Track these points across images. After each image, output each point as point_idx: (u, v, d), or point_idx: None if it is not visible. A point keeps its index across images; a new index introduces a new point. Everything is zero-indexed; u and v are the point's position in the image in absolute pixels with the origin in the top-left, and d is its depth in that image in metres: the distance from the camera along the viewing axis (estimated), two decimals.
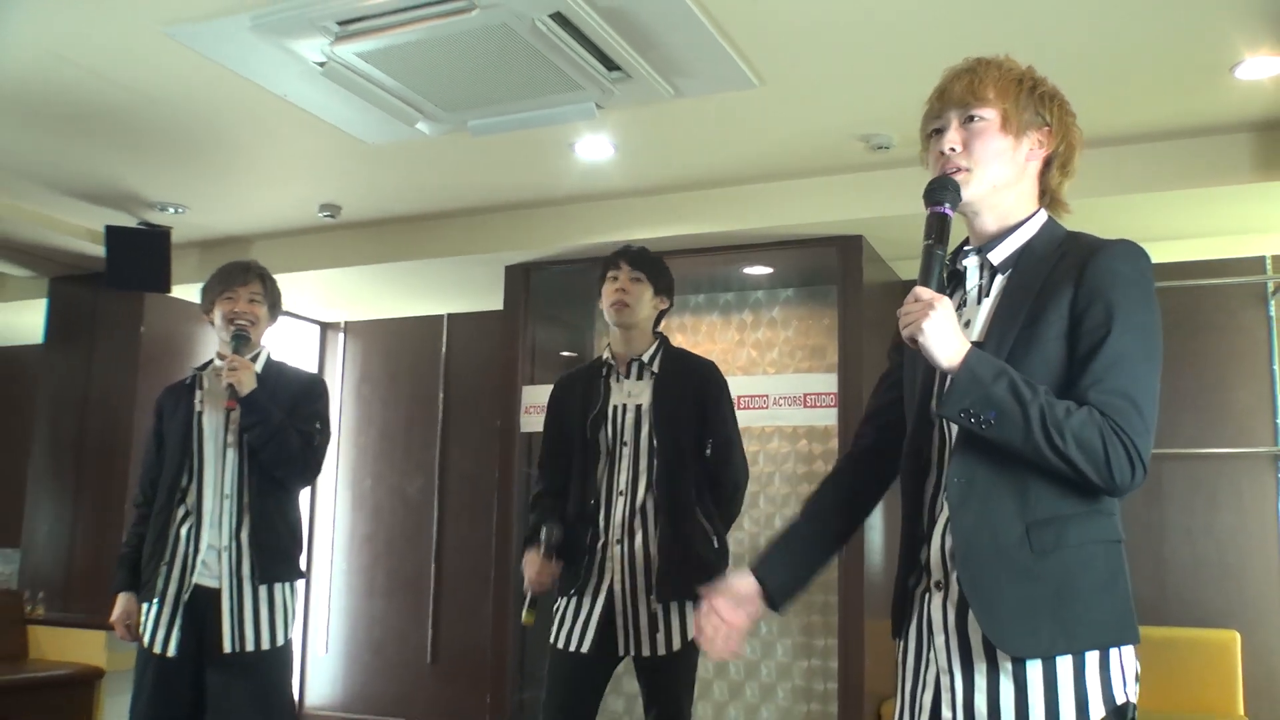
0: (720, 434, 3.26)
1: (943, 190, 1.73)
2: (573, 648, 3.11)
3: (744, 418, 5.99)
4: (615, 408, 3.22)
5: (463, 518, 6.75)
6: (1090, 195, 4.46)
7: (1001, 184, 1.77)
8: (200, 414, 3.31)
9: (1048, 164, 1.83)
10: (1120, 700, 1.63)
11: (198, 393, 3.35)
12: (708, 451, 3.25)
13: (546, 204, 5.47)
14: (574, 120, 4.17)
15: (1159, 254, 5.68)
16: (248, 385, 3.17)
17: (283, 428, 3.22)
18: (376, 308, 7.06)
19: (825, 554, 2.06)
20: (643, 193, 5.27)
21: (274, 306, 3.47)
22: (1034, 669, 1.61)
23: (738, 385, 6.04)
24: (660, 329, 3.38)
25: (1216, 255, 5.18)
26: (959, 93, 1.77)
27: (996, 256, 1.78)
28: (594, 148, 4.68)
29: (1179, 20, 3.43)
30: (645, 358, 3.25)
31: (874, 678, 4.94)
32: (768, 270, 5.83)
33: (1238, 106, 4.07)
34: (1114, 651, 1.64)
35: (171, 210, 5.63)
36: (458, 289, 6.43)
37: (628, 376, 3.25)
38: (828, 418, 5.66)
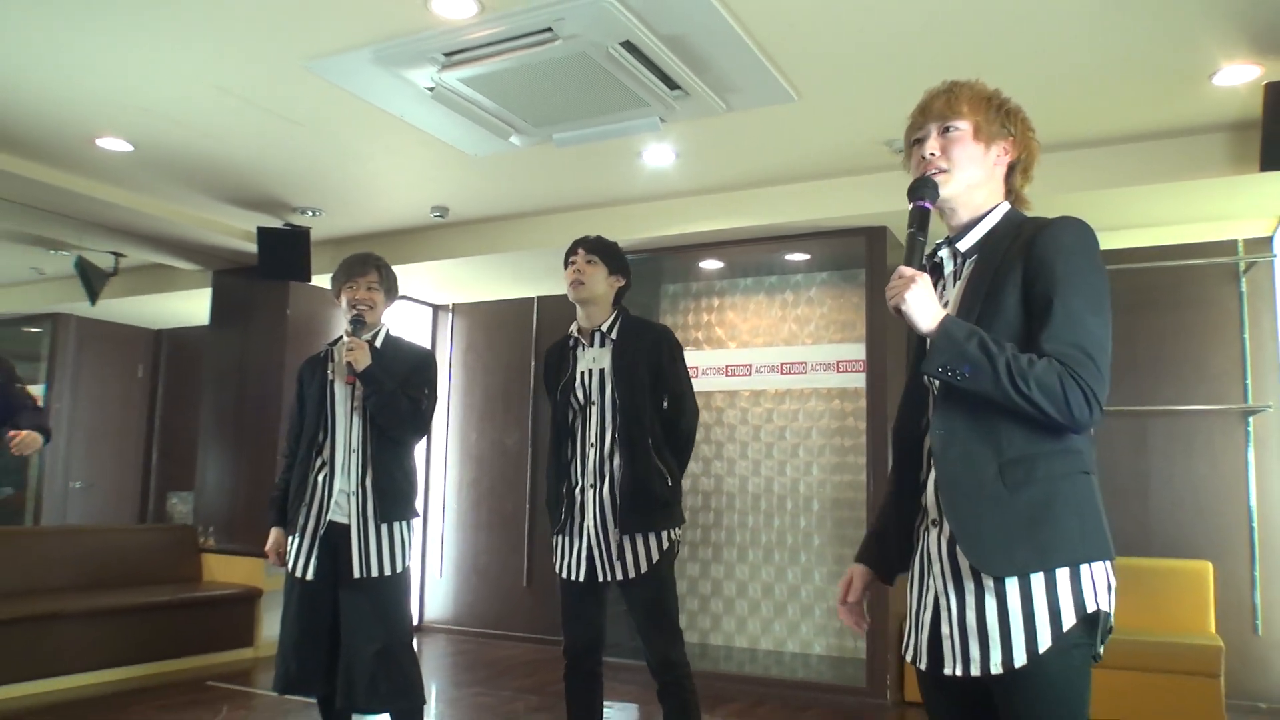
0: (674, 389, 3.16)
1: (923, 188, 1.74)
2: (572, 577, 3.08)
3: (786, 381, 5.98)
4: (583, 373, 3.14)
5: None
6: (1086, 189, 4.38)
7: (974, 184, 1.77)
8: (332, 383, 3.33)
9: (1011, 168, 1.82)
10: (1091, 609, 1.59)
11: (330, 365, 3.37)
12: (665, 404, 3.16)
13: (618, 203, 5.46)
14: (641, 132, 4.16)
15: (1146, 239, 5.61)
16: (363, 363, 3.19)
17: (394, 395, 3.22)
18: (479, 292, 7.11)
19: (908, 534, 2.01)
20: (700, 193, 5.24)
21: (390, 291, 3.46)
22: (1012, 586, 1.59)
23: (781, 354, 6.04)
24: (623, 303, 3.28)
25: (1195, 239, 5.08)
26: (938, 108, 1.78)
27: (964, 245, 1.78)
28: (658, 155, 4.66)
29: (1164, 35, 3.34)
30: (604, 327, 3.17)
31: (896, 599, 4.92)
32: (806, 256, 5.77)
33: (1215, 110, 3.95)
34: (1084, 567, 1.60)
35: (310, 213, 5.72)
36: (545, 275, 6.44)
37: (591, 345, 3.17)
38: (857, 381, 5.63)
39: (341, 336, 3.37)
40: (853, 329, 5.78)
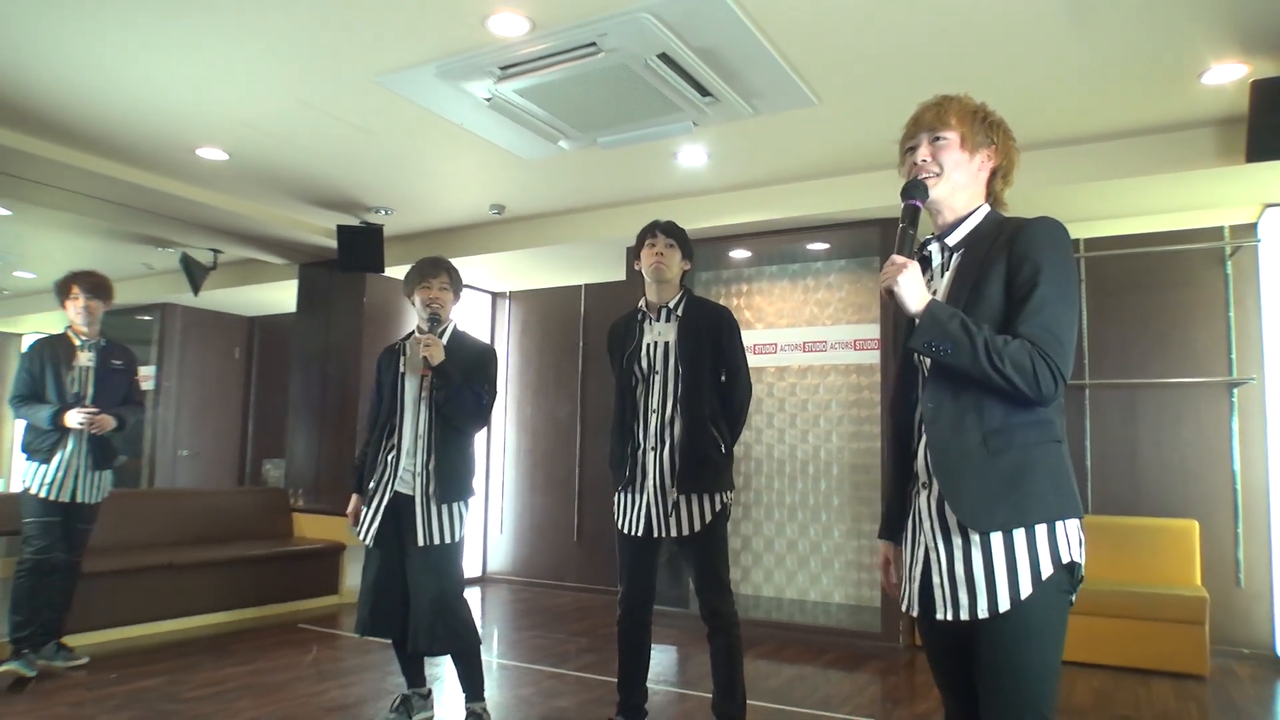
0: (731, 364, 3.13)
1: (915, 189, 1.77)
2: (631, 531, 3.10)
3: (807, 359, 5.95)
4: (649, 345, 3.13)
5: (598, 434, 6.84)
6: (1084, 181, 4.28)
7: (960, 186, 1.79)
8: (403, 375, 3.36)
9: (993, 174, 1.84)
10: (1066, 559, 1.62)
11: (401, 359, 3.40)
12: (722, 378, 3.13)
13: (656, 199, 5.45)
14: (676, 135, 4.16)
15: (1139, 226, 5.51)
16: (437, 358, 3.21)
17: (461, 389, 3.24)
18: (532, 280, 7.13)
19: None
20: (729, 189, 5.22)
21: (457, 291, 3.46)
22: (997, 540, 1.62)
23: (803, 334, 6.00)
24: (685, 284, 3.26)
25: (1185, 226, 4.97)
26: (929, 120, 1.80)
27: (952, 240, 1.80)
28: (692, 156, 4.64)
29: (1157, 38, 3.27)
30: (672, 304, 3.15)
31: None
32: (825, 246, 5.72)
33: (1205, 106, 3.85)
34: (1059, 524, 1.63)
35: (383, 212, 5.77)
36: (591, 265, 6.45)
37: (658, 320, 3.15)
38: (872, 358, 5.59)
39: (413, 332, 3.40)
40: (868, 311, 5.73)
